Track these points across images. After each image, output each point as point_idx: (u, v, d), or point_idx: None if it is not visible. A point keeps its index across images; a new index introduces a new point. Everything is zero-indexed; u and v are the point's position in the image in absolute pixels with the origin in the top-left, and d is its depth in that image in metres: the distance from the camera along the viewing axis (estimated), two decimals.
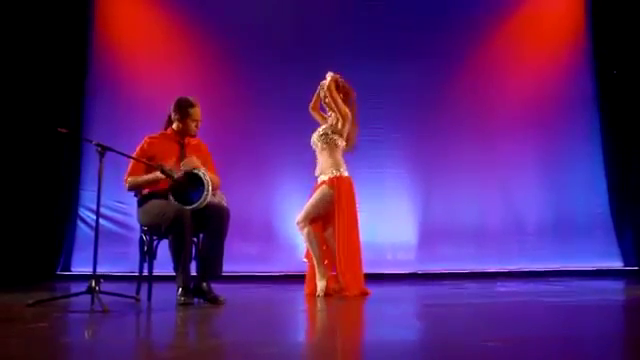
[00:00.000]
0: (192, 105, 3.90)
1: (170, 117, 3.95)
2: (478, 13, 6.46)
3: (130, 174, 3.81)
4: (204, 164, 3.88)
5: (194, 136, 3.97)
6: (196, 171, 3.65)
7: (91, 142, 3.53)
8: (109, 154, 3.48)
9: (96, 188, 3.46)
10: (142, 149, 3.85)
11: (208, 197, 3.58)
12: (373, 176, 6.08)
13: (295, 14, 6.39)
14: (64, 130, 3.48)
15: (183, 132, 3.92)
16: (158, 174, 3.68)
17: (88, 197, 5.93)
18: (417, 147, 6.25)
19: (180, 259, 3.57)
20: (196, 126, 3.93)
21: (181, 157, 3.85)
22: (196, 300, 3.59)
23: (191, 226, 3.60)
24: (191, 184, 3.63)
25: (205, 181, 3.59)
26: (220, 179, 3.96)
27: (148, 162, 3.73)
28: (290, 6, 6.44)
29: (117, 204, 5.81)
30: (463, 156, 6.24)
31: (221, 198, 3.82)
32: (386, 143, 6.18)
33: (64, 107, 5.84)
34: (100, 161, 3.42)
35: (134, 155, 3.80)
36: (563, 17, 6.63)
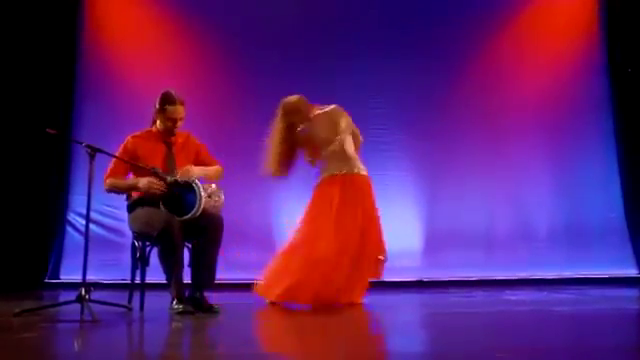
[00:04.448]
0: (171, 102, 3.80)
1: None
2: (486, 10, 6.45)
3: (111, 175, 3.78)
4: (197, 158, 3.88)
5: (173, 135, 3.90)
6: (189, 181, 3.65)
7: (81, 144, 3.52)
8: (100, 156, 3.48)
9: (86, 192, 3.45)
10: (125, 149, 3.82)
11: (200, 208, 3.58)
12: (375, 179, 6.01)
13: (294, 12, 6.38)
14: (53, 131, 3.48)
15: (163, 131, 3.88)
16: (139, 179, 3.68)
17: (78, 201, 5.91)
18: (422, 149, 6.24)
19: (171, 269, 3.58)
20: (174, 125, 3.84)
21: (168, 157, 3.84)
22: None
23: (180, 235, 3.59)
24: (183, 192, 3.63)
25: (198, 192, 3.58)
26: (221, 167, 3.98)
27: (142, 165, 3.73)
28: (289, 4, 6.43)
29: (108, 209, 5.80)
30: (470, 158, 6.22)
31: (217, 196, 3.79)
32: (390, 145, 6.17)
33: (53, 107, 5.83)
34: (90, 163, 3.41)
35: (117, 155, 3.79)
36: (575, 14, 6.63)
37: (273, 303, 4.06)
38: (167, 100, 3.82)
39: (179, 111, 3.82)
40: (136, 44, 6.31)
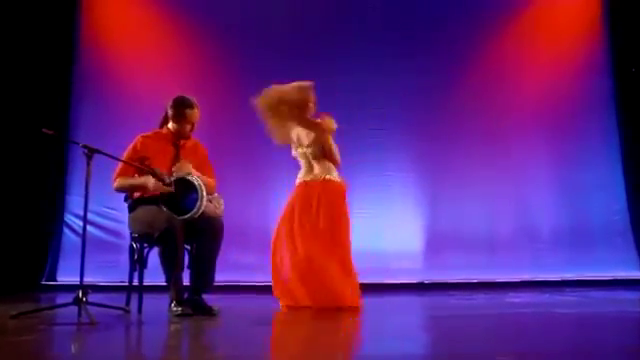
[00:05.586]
0: (189, 106, 3.88)
1: (166, 115, 3.94)
2: (487, 10, 6.45)
3: (120, 174, 3.81)
4: (201, 166, 3.88)
5: (188, 138, 3.97)
6: (189, 178, 3.65)
7: (78, 144, 3.52)
8: (97, 157, 3.48)
9: (83, 193, 3.46)
10: (134, 149, 3.84)
11: (202, 207, 3.58)
12: (377, 180, 6.08)
13: (294, 13, 6.38)
14: (50, 132, 3.48)
15: (177, 133, 3.92)
16: (148, 178, 3.68)
17: (75, 202, 5.92)
18: (423, 150, 6.24)
19: (172, 270, 3.58)
20: (191, 129, 3.92)
21: (175, 159, 3.84)
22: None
23: (182, 236, 3.60)
24: (184, 191, 3.63)
25: (199, 190, 3.59)
26: (216, 182, 3.96)
27: (140, 165, 3.73)
28: (288, 6, 6.43)
29: (106, 210, 5.81)
30: (472, 159, 6.22)
31: (218, 202, 3.81)
32: (391, 146, 6.17)
33: (50, 107, 5.84)
34: (88, 164, 3.42)
35: (126, 154, 3.80)
36: (578, 12, 6.64)
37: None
38: (186, 104, 3.89)
39: (197, 114, 3.92)
40: (133, 44, 6.31)
